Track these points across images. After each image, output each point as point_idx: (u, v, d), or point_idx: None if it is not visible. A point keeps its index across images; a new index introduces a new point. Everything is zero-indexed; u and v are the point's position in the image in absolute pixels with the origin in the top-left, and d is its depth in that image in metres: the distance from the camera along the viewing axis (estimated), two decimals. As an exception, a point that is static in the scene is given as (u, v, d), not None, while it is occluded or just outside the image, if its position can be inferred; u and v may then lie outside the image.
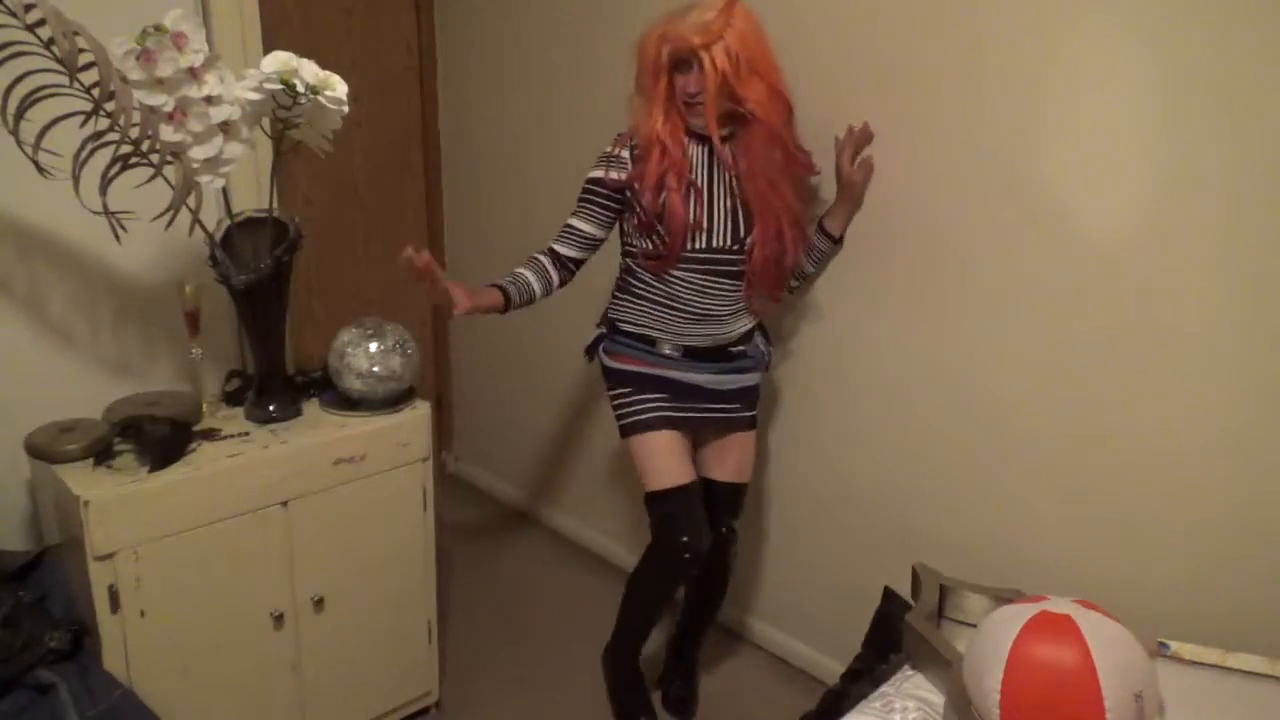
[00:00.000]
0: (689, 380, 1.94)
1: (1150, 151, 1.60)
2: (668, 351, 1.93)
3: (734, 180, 1.85)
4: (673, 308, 1.89)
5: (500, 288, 1.80)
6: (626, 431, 1.97)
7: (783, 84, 1.80)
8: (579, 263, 1.91)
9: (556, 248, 1.88)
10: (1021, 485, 1.88)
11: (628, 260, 1.95)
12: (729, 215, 1.85)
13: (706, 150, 1.85)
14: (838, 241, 2.03)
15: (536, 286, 1.84)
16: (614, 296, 2.00)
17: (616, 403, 1.99)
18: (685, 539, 1.93)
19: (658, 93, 1.80)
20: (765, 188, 1.83)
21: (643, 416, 1.94)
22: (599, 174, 1.86)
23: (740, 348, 1.98)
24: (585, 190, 1.88)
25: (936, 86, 1.84)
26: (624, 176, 1.84)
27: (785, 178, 1.86)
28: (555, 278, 1.88)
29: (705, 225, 1.84)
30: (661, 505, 1.96)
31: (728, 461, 2.06)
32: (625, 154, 1.84)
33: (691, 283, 1.87)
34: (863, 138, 1.95)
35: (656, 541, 1.99)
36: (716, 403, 1.98)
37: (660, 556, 1.99)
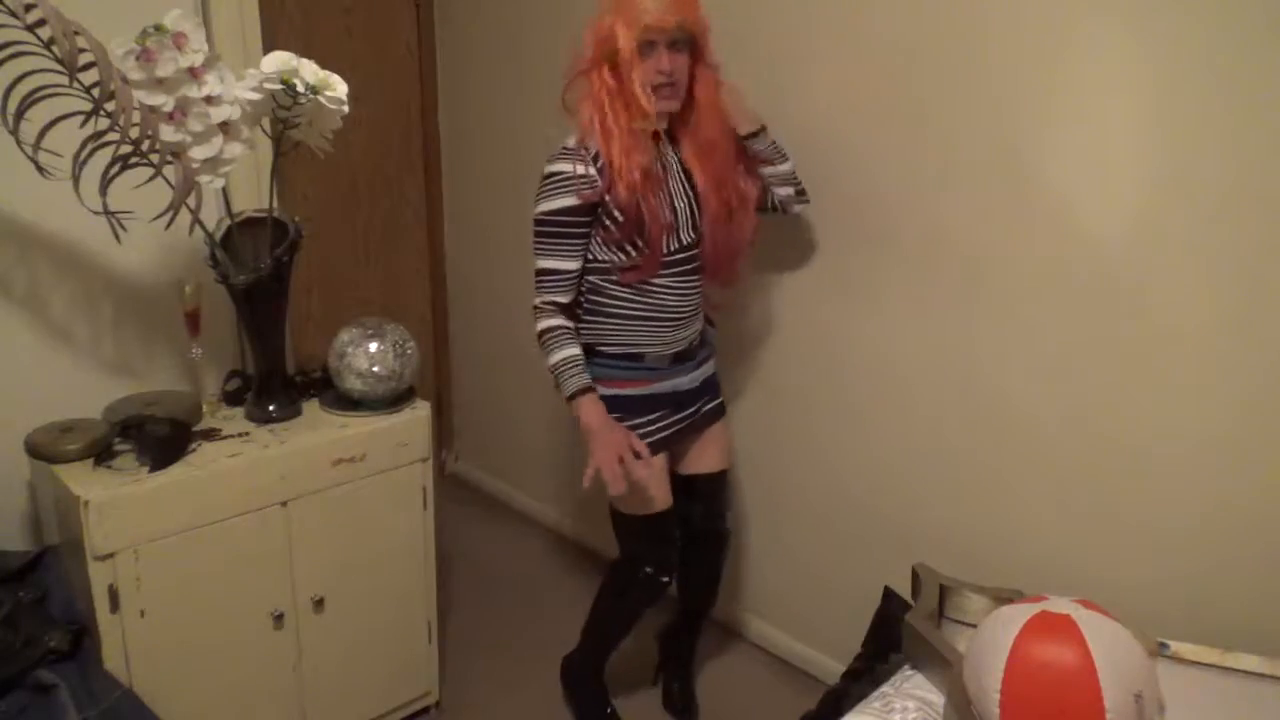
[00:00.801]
0: (675, 388, 1.91)
1: (1149, 152, 1.60)
2: (658, 360, 1.87)
3: (681, 172, 1.82)
4: (657, 318, 1.82)
5: (589, 387, 1.77)
6: None
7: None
8: (576, 301, 1.83)
9: (552, 299, 1.77)
10: (1022, 485, 1.88)
11: (595, 279, 1.81)
12: (688, 208, 1.82)
13: (655, 146, 1.80)
14: (758, 135, 1.85)
15: (581, 348, 1.80)
16: (584, 320, 1.84)
17: None
18: (650, 570, 1.93)
19: (628, 86, 1.66)
20: (720, 170, 1.79)
21: None
22: (569, 201, 1.70)
23: (698, 339, 1.96)
24: (556, 225, 1.72)
25: (936, 84, 1.84)
26: (596, 193, 1.70)
27: (734, 160, 1.83)
28: (576, 327, 1.83)
29: (674, 224, 1.80)
30: (635, 531, 1.95)
31: (709, 453, 2.05)
32: (591, 170, 1.70)
33: (672, 288, 1.82)
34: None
35: (624, 565, 1.99)
36: (695, 402, 1.97)
37: (627, 580, 1.99)
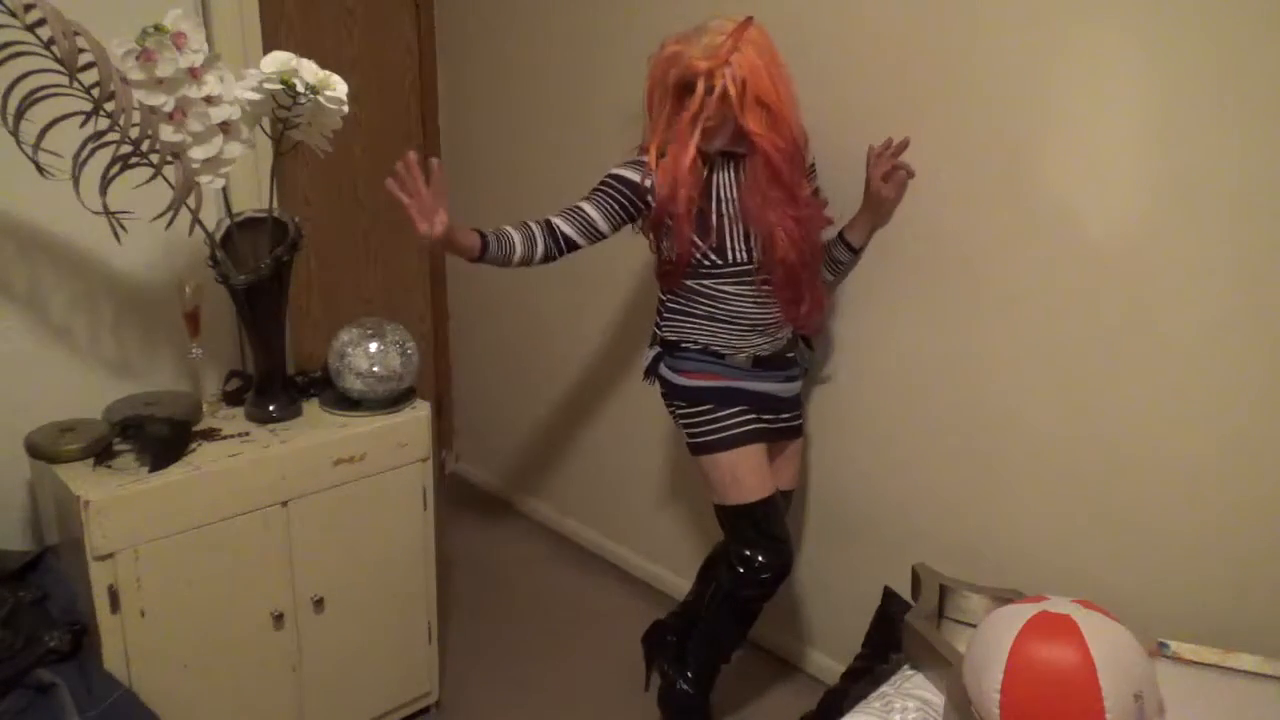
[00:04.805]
0: (763, 389, 1.93)
1: (1152, 156, 1.60)
2: (740, 362, 1.90)
3: (735, 195, 1.83)
4: (729, 322, 1.87)
5: (480, 234, 1.71)
6: (707, 449, 1.90)
7: (792, 115, 1.76)
8: (572, 246, 1.80)
9: (555, 221, 1.78)
10: (1022, 485, 1.88)
11: (688, 281, 1.88)
12: (741, 231, 1.83)
13: (733, 164, 1.82)
14: (857, 252, 2.01)
15: (518, 250, 1.73)
16: (666, 317, 1.94)
17: (695, 420, 1.91)
18: (763, 559, 1.88)
19: (663, 114, 1.79)
20: (761, 213, 1.80)
21: (730, 433, 1.89)
22: (624, 173, 1.81)
23: (791, 354, 1.99)
24: (605, 182, 1.81)
25: (939, 93, 1.84)
26: (647, 183, 1.80)
27: (788, 213, 1.81)
28: (540, 249, 1.75)
29: (741, 237, 1.82)
30: (739, 521, 1.92)
31: (787, 469, 2.07)
32: (650, 161, 1.81)
33: (742, 296, 1.86)
34: (898, 151, 1.90)
35: (734, 561, 1.92)
36: (784, 411, 1.99)
37: (737, 577, 1.92)
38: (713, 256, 1.83)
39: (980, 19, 1.75)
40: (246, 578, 1.78)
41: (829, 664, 2.29)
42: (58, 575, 1.73)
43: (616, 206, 1.81)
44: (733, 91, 1.69)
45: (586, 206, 1.80)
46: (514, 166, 2.92)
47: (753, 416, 1.92)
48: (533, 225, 1.76)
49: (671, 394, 1.95)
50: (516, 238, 1.74)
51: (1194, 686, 1.45)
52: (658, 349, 1.97)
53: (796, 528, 2.33)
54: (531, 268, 1.80)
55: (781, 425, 2.00)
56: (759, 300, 1.87)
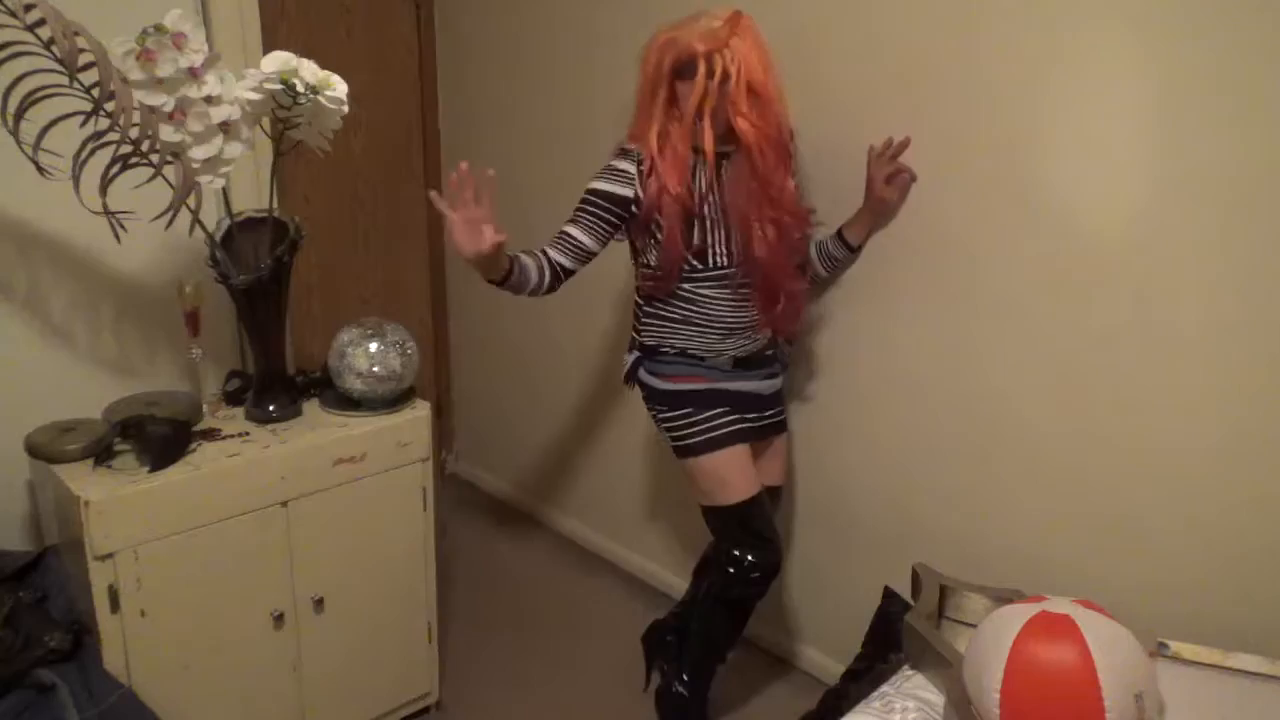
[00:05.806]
0: (744, 389, 1.94)
1: (1152, 152, 1.60)
2: (721, 363, 1.91)
3: (720, 197, 1.82)
4: (707, 326, 1.87)
5: (510, 259, 1.69)
6: (692, 452, 1.91)
7: (780, 105, 1.75)
8: (569, 274, 1.81)
9: (553, 255, 1.78)
10: (1022, 485, 1.88)
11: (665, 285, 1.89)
12: (722, 233, 1.83)
13: (719, 164, 1.81)
14: (855, 251, 2.00)
15: (531, 283, 1.74)
16: (644, 322, 1.94)
17: (677, 424, 1.91)
18: (752, 559, 1.89)
19: (657, 104, 1.75)
20: (748, 209, 1.79)
21: (712, 435, 1.90)
22: (604, 186, 1.79)
23: (770, 351, 1.99)
24: (587, 200, 1.80)
25: (938, 91, 1.84)
26: (628, 193, 1.79)
27: (768, 212, 1.80)
28: (545, 283, 1.77)
29: (723, 240, 1.82)
30: (726, 521, 1.92)
31: (773, 465, 2.08)
32: (630, 168, 1.78)
33: (720, 300, 1.86)
34: (899, 151, 1.89)
35: (723, 561, 1.93)
36: (766, 409, 2.00)
37: (727, 576, 1.93)
38: (694, 261, 1.83)
39: (980, 18, 1.75)
40: (246, 578, 1.78)
41: (826, 662, 2.29)
42: (58, 575, 1.73)
43: (603, 224, 1.81)
44: (731, 72, 1.68)
45: (575, 232, 1.80)
46: (514, 166, 2.91)
47: (735, 417, 1.92)
48: (542, 258, 1.77)
49: (652, 398, 1.95)
50: (532, 271, 1.74)
51: (1194, 686, 1.45)
52: (637, 354, 1.97)
53: (793, 525, 2.34)
54: (535, 298, 1.82)
55: (765, 423, 2.00)
56: (736, 303, 1.87)
